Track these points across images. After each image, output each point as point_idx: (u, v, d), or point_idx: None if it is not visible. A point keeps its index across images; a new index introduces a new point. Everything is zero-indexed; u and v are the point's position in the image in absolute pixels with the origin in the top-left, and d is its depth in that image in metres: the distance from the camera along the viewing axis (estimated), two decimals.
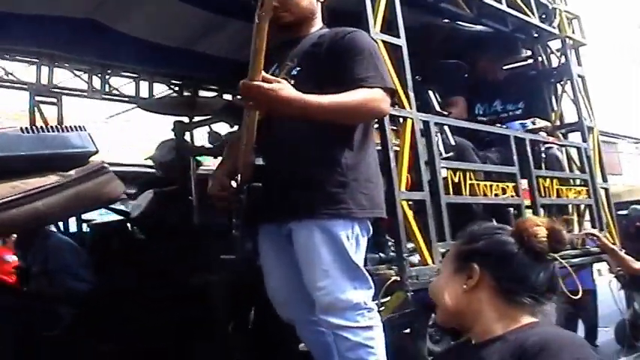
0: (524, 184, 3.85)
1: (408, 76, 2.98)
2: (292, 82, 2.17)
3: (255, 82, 2.03)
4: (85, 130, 1.84)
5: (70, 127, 1.81)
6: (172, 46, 4.74)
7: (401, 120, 2.99)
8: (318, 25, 2.49)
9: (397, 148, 2.90)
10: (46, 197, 1.67)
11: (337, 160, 2.29)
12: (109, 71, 5.30)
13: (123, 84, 5.57)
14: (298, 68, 2.24)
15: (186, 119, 4.36)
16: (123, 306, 3.34)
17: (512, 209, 3.88)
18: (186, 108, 4.23)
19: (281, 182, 2.26)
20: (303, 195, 2.26)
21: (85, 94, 5.23)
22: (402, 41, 3.04)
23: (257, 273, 2.48)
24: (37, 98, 4.82)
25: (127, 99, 5.59)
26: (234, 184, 2.32)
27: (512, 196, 3.64)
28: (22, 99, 5.10)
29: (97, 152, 1.87)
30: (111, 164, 2.06)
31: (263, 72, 2.04)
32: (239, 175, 2.28)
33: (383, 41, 2.90)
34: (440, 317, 1.54)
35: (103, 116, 9.61)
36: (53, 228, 4.06)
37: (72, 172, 1.79)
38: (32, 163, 1.71)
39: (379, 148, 2.70)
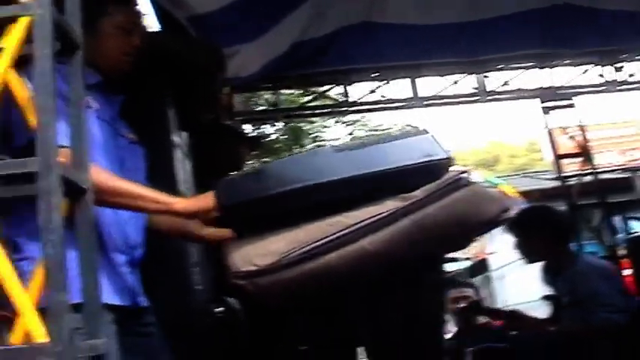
0: None
1: None
2: None
3: None
4: (427, 133, 1.31)
5: (410, 131, 1.31)
6: None
7: None
8: None
9: None
10: (376, 231, 1.23)
11: None
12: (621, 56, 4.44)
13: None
14: None
15: None
16: None
17: None
18: None
19: None
20: None
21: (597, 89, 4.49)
22: None
23: None
24: (545, 105, 4.36)
25: None
26: None
27: None
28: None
29: (448, 160, 1.30)
30: None
31: None
32: None
33: None
34: None
35: None
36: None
37: (416, 192, 1.29)
38: (357, 188, 1.29)
39: None
